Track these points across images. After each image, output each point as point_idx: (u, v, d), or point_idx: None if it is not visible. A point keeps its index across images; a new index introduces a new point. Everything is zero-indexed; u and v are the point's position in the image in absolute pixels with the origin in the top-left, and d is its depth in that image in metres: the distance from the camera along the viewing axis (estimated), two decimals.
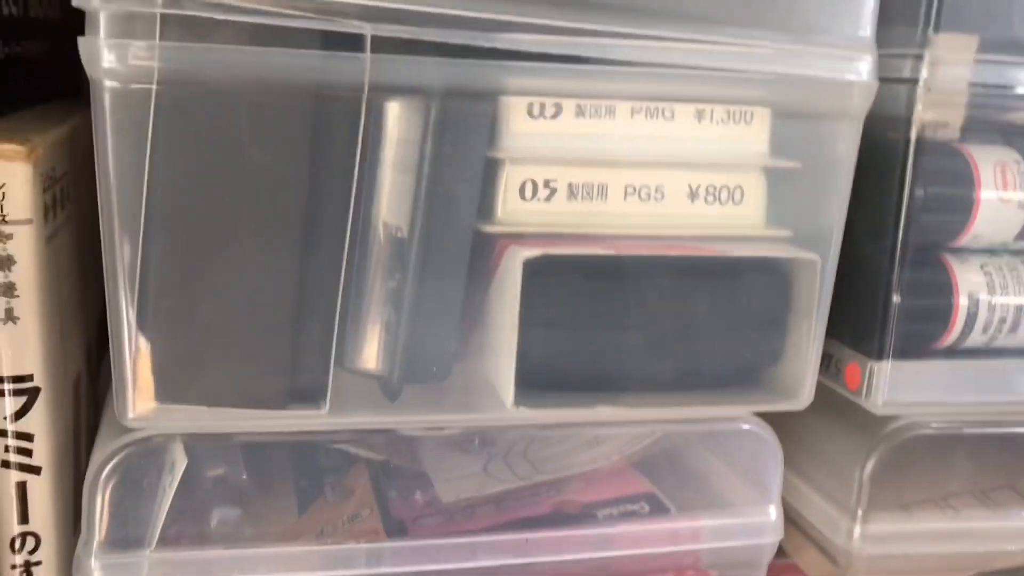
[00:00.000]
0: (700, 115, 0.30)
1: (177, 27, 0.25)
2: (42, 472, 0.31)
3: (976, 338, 0.32)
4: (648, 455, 0.38)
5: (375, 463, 0.38)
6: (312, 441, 0.34)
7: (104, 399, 0.39)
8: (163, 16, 0.24)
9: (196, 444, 0.30)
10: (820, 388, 0.34)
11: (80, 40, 0.24)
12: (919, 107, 0.30)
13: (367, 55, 0.26)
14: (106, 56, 0.24)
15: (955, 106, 0.30)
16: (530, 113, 0.29)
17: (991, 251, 0.33)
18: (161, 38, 0.24)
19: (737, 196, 0.31)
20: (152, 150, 0.25)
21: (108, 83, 0.24)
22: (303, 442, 0.34)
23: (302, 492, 0.37)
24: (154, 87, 0.25)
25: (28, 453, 0.31)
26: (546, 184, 0.30)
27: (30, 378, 0.30)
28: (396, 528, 0.34)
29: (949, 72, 0.30)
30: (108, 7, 0.24)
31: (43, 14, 0.43)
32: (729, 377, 0.32)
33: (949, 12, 0.29)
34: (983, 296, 0.32)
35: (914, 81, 0.29)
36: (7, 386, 0.30)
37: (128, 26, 0.24)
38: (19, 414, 0.30)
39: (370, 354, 0.29)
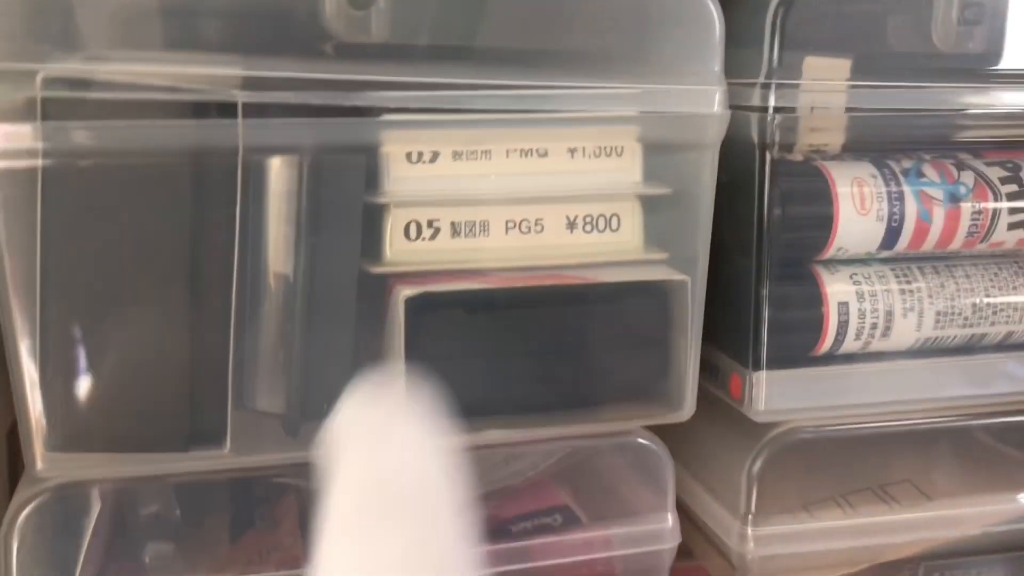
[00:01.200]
0: (573, 152, 0.32)
1: (58, 107, 0.26)
2: None
3: (851, 344, 0.34)
4: (566, 467, 0.40)
5: (303, 492, 0.39)
6: (245, 477, 0.36)
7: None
8: (44, 99, 0.26)
9: (128, 484, 0.32)
10: (711, 397, 0.36)
11: None
12: (769, 131, 0.31)
13: (239, 121, 0.27)
14: None
15: (805, 130, 0.32)
16: (409, 159, 0.31)
17: (862, 261, 0.35)
18: (43, 119, 0.26)
19: (614, 223, 0.33)
20: (42, 221, 0.27)
21: None
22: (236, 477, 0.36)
23: (235, 523, 0.39)
24: (39, 163, 0.27)
25: None
26: (429, 224, 0.32)
27: None
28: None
29: (792, 97, 0.32)
30: None
31: None
32: (615, 394, 0.33)
33: (790, 39, 0.31)
34: (853, 304, 0.34)
35: (764, 109, 0.31)
36: None
37: (12, 110, 0.26)
38: None
39: (268, 394, 0.31)
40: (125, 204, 0.28)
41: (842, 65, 0.33)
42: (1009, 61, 0.35)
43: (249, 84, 0.28)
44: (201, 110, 0.28)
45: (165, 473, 0.31)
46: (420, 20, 0.32)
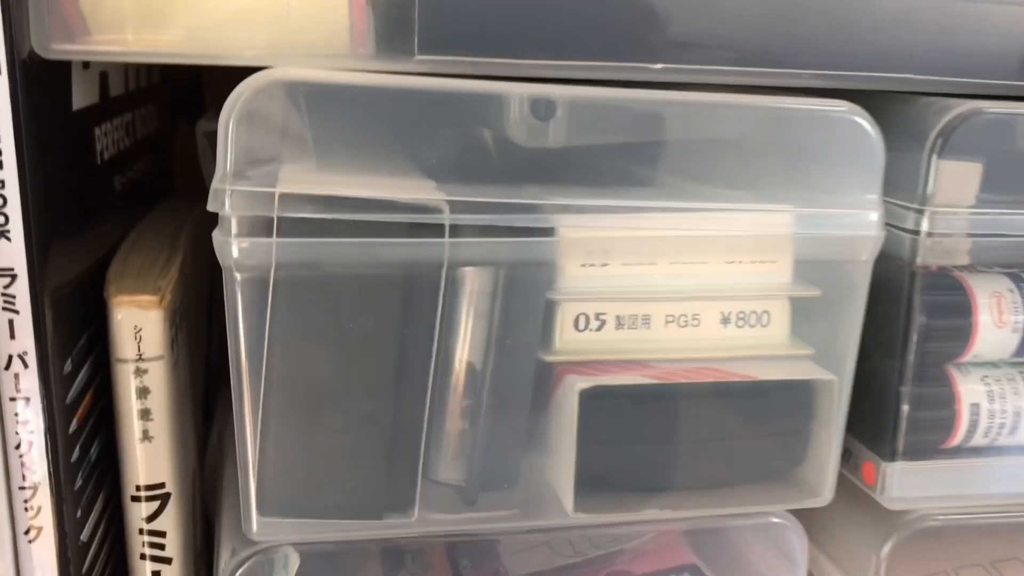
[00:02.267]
0: (731, 261, 0.35)
1: (291, 224, 0.30)
2: (173, 562, 0.37)
3: (978, 440, 0.37)
4: (694, 532, 0.43)
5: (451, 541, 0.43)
6: None
7: (210, 486, 0.45)
8: (279, 217, 0.29)
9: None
10: (843, 478, 0.38)
11: (214, 235, 0.30)
12: (921, 251, 0.34)
13: (447, 240, 0.31)
14: (235, 251, 0.29)
15: (954, 252, 0.34)
16: (583, 265, 0.34)
17: (993, 364, 0.37)
18: (277, 235, 0.30)
19: (765, 319, 0.36)
20: (271, 323, 0.30)
21: (237, 275, 0.30)
22: None
23: (386, 568, 0.42)
24: (272, 274, 0.30)
25: (161, 547, 0.37)
26: (597, 316, 0.35)
27: (162, 485, 0.36)
28: None
29: (947, 223, 0.34)
30: (236, 213, 0.29)
31: (145, 132, 0.49)
32: (760, 479, 0.36)
33: (944, 176, 0.34)
34: (984, 404, 0.36)
35: (915, 232, 0.34)
36: (143, 493, 0.36)
37: (251, 225, 0.30)
38: (153, 516, 0.36)
39: (450, 467, 0.35)
40: (343, 311, 0.31)
41: (974, 170, 0.36)
42: None
43: (455, 206, 0.31)
44: (413, 228, 0.31)
45: (359, 538, 0.35)
46: (594, 132, 0.35)
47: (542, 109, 0.33)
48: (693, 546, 0.42)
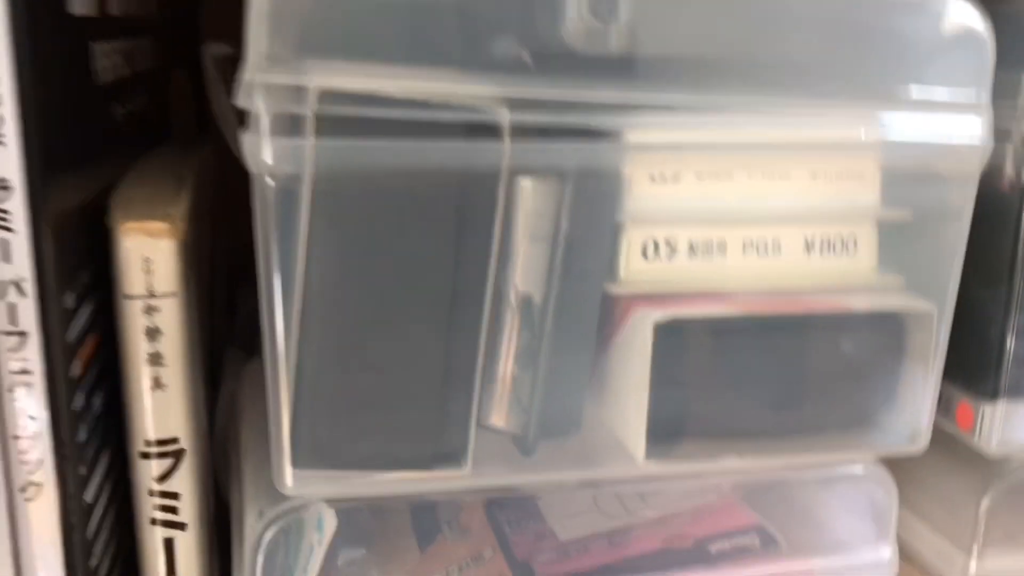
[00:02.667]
0: (814, 175, 0.31)
1: (330, 124, 0.26)
2: (187, 528, 0.33)
3: None
4: (754, 489, 0.39)
5: (490, 501, 0.39)
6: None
7: (220, 436, 0.41)
8: (318, 115, 0.25)
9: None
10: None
11: (243, 136, 0.26)
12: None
13: (506, 142, 0.27)
14: (267, 153, 0.25)
15: None
16: (652, 179, 0.30)
17: None
18: (316, 135, 0.25)
19: (851, 246, 0.32)
20: (308, 237, 0.26)
21: (269, 180, 0.25)
22: None
23: (420, 530, 0.38)
24: (308, 180, 0.26)
25: (174, 511, 0.32)
26: (667, 243, 0.31)
27: (175, 440, 0.32)
28: (522, 570, 0.35)
29: None
30: (269, 108, 0.25)
31: (143, 67, 0.44)
32: (848, 424, 0.33)
33: None
34: None
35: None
36: (154, 449, 0.32)
37: (284, 123, 0.26)
38: (165, 476, 0.32)
39: (505, 413, 0.31)
40: (390, 224, 0.27)
41: None
42: None
43: (511, 104, 0.27)
44: (469, 129, 0.27)
45: (407, 492, 0.31)
46: (663, 33, 0.31)
47: (603, 8, 0.30)
48: (754, 505, 0.39)
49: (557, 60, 0.29)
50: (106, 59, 0.37)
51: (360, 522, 0.38)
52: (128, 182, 0.35)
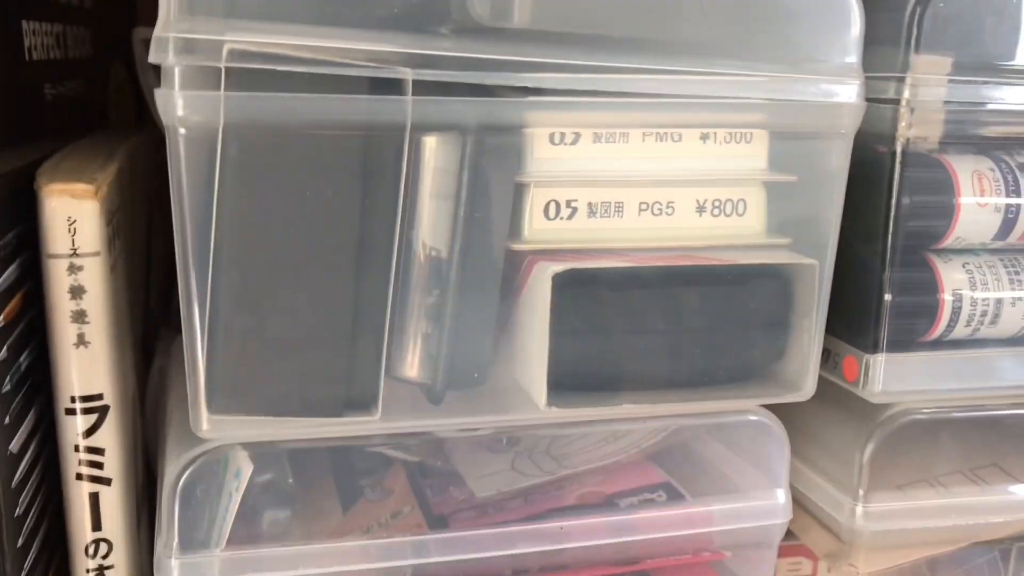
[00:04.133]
0: (705, 137, 0.34)
1: (241, 78, 0.27)
2: (112, 483, 0.34)
3: (961, 330, 0.36)
4: (663, 448, 0.41)
5: (411, 464, 0.40)
6: (351, 446, 0.37)
7: (151, 410, 0.42)
8: (228, 69, 0.27)
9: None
10: (820, 380, 0.37)
11: (156, 92, 0.27)
12: (902, 124, 0.33)
13: (409, 98, 0.29)
14: (179, 106, 0.27)
15: (933, 123, 0.33)
16: (552, 141, 0.32)
17: (972, 251, 0.36)
18: (226, 89, 0.27)
19: (740, 208, 0.35)
20: (220, 187, 0.28)
21: (181, 129, 0.27)
22: (342, 447, 0.37)
23: (344, 493, 0.40)
24: (220, 132, 0.27)
25: (99, 466, 0.34)
26: (568, 204, 0.33)
27: (100, 397, 0.33)
28: (437, 522, 0.36)
29: (927, 92, 0.33)
30: (181, 63, 0.27)
31: (78, 53, 0.46)
32: (739, 373, 0.35)
33: (927, 37, 0.32)
34: (965, 292, 0.35)
35: (896, 101, 0.33)
36: (79, 405, 0.33)
37: (198, 78, 0.27)
38: (90, 431, 0.33)
39: (415, 364, 0.32)
40: (299, 176, 0.29)
41: (944, 63, 0.35)
42: None
43: (414, 62, 0.29)
44: (373, 85, 0.29)
45: (319, 436, 0.32)
46: (563, 7, 0.33)
47: None
48: (662, 464, 0.41)
49: (464, 32, 0.31)
50: (36, 37, 0.38)
51: (284, 486, 0.39)
52: (59, 155, 0.37)
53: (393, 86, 0.29)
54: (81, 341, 0.32)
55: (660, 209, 0.34)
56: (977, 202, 0.34)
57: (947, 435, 0.39)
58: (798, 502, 0.39)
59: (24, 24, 0.37)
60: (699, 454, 0.40)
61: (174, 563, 0.31)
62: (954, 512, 0.38)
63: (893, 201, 0.33)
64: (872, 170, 0.34)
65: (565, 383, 0.32)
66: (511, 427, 0.35)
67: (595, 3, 0.33)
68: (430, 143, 0.31)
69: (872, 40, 0.33)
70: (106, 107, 0.54)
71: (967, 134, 0.34)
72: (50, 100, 0.41)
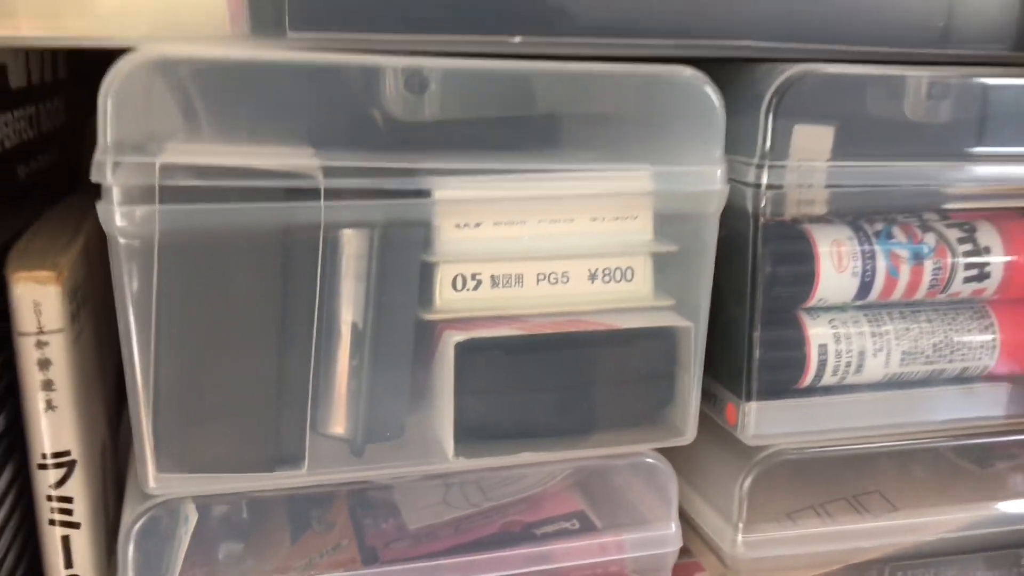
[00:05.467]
0: (595, 219, 0.38)
1: (171, 192, 0.32)
2: (81, 527, 0.39)
3: (828, 379, 0.40)
4: (582, 477, 0.46)
5: (354, 497, 0.45)
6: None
7: (126, 459, 0.47)
8: (160, 186, 0.32)
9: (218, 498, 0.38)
10: (710, 421, 0.41)
11: (98, 205, 0.32)
12: (761, 204, 0.37)
13: (321, 203, 0.33)
14: (118, 219, 0.32)
15: (792, 202, 0.37)
16: (457, 226, 0.37)
17: (840, 307, 0.41)
18: (160, 202, 0.32)
19: (629, 275, 0.39)
20: (157, 285, 0.33)
21: (121, 240, 0.32)
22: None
23: (294, 525, 0.44)
24: (156, 238, 0.32)
25: (69, 512, 0.38)
26: (473, 277, 0.38)
27: (67, 453, 0.38)
28: (369, 555, 0.41)
29: (783, 175, 0.37)
30: (118, 182, 0.31)
31: (51, 126, 0.50)
32: (628, 421, 0.39)
33: (778, 132, 0.37)
34: (831, 346, 0.40)
35: (757, 185, 0.37)
36: (49, 460, 0.38)
37: (132, 193, 0.32)
38: (60, 482, 0.38)
39: (338, 421, 0.37)
40: (226, 271, 0.34)
41: (826, 133, 0.39)
42: (978, 137, 0.40)
43: (328, 171, 0.33)
44: (289, 194, 0.33)
45: (252, 489, 0.37)
46: (465, 102, 0.38)
47: (416, 82, 0.36)
48: (582, 493, 0.45)
49: (381, 126, 0.36)
50: (8, 128, 0.43)
51: (239, 520, 0.44)
52: (27, 236, 0.41)
53: (307, 193, 0.33)
54: (49, 406, 0.37)
55: (556, 279, 0.38)
56: (835, 268, 0.39)
57: (827, 469, 0.43)
58: (695, 529, 0.44)
59: None
60: (613, 483, 0.45)
61: None
62: (831, 538, 0.42)
63: (756, 269, 0.38)
64: (739, 240, 0.38)
65: (470, 435, 0.37)
66: (425, 474, 0.39)
67: (494, 101, 0.37)
68: (347, 234, 0.35)
69: (737, 113, 0.37)
70: (84, 163, 0.58)
71: (824, 210, 0.39)
72: (23, 178, 0.45)
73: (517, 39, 0.35)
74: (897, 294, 0.40)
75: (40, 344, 0.36)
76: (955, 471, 0.45)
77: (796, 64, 0.37)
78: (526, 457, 0.38)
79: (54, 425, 0.37)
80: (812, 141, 0.38)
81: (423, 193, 0.35)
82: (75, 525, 0.39)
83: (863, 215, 0.40)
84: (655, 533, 0.41)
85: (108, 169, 0.31)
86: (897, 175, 0.38)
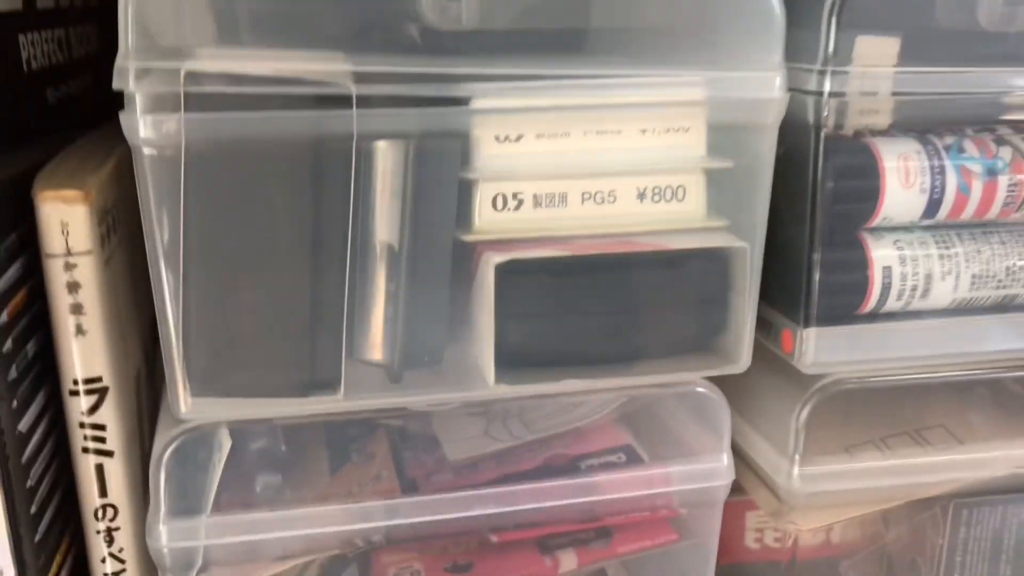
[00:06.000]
0: (644, 131, 0.36)
1: (198, 100, 0.30)
2: (115, 455, 0.38)
3: (892, 304, 0.38)
4: (629, 411, 0.44)
5: (393, 430, 0.44)
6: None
7: (161, 388, 0.46)
8: (186, 92, 0.30)
9: (242, 425, 0.37)
10: (764, 350, 0.39)
11: (120, 115, 0.30)
12: (824, 114, 0.35)
13: (353, 111, 0.31)
14: (142, 129, 0.30)
15: (855, 112, 0.35)
16: (497, 140, 0.35)
17: (905, 228, 0.38)
18: (185, 111, 0.30)
19: (680, 194, 0.37)
20: (184, 199, 0.31)
21: (146, 150, 0.30)
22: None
23: (333, 457, 0.43)
24: (182, 149, 0.31)
25: (103, 440, 0.38)
26: (514, 196, 0.36)
27: (99, 379, 0.37)
28: (409, 485, 0.40)
29: (848, 82, 0.35)
30: (141, 89, 0.30)
31: (83, 52, 0.49)
32: (679, 348, 0.37)
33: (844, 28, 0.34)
34: (896, 267, 0.37)
35: (819, 93, 0.35)
36: (81, 387, 0.37)
37: (158, 102, 0.30)
38: (92, 409, 0.37)
39: (375, 347, 0.35)
40: (255, 184, 0.32)
41: (892, 44, 0.36)
42: None
43: (361, 78, 0.32)
44: (320, 102, 0.32)
45: (287, 415, 0.35)
46: (507, 9, 0.35)
47: None
48: (629, 427, 0.44)
49: (416, 34, 0.34)
50: (35, 48, 0.42)
51: (277, 453, 0.43)
52: (56, 159, 0.40)
53: (339, 100, 0.32)
54: (80, 331, 0.36)
55: (602, 198, 0.36)
56: (902, 184, 0.36)
57: (889, 400, 0.41)
58: (747, 463, 0.42)
59: (21, 37, 0.40)
60: (661, 418, 0.43)
61: (162, 528, 0.35)
62: (892, 473, 0.40)
63: (818, 186, 0.35)
64: (800, 154, 0.36)
65: (512, 361, 0.35)
66: (465, 402, 0.38)
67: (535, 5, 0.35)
68: (381, 147, 0.33)
69: (798, 24, 0.34)
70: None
71: (889, 121, 0.36)
72: (53, 103, 0.44)
73: None
74: (968, 213, 0.37)
75: (68, 266, 0.35)
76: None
77: None
78: (570, 384, 0.37)
79: (84, 350, 0.36)
80: (878, 44, 0.35)
81: (461, 101, 0.33)
82: (108, 453, 0.38)
83: (932, 128, 0.37)
84: (705, 465, 0.40)
85: (131, 75, 0.30)
86: (969, 83, 0.36)
